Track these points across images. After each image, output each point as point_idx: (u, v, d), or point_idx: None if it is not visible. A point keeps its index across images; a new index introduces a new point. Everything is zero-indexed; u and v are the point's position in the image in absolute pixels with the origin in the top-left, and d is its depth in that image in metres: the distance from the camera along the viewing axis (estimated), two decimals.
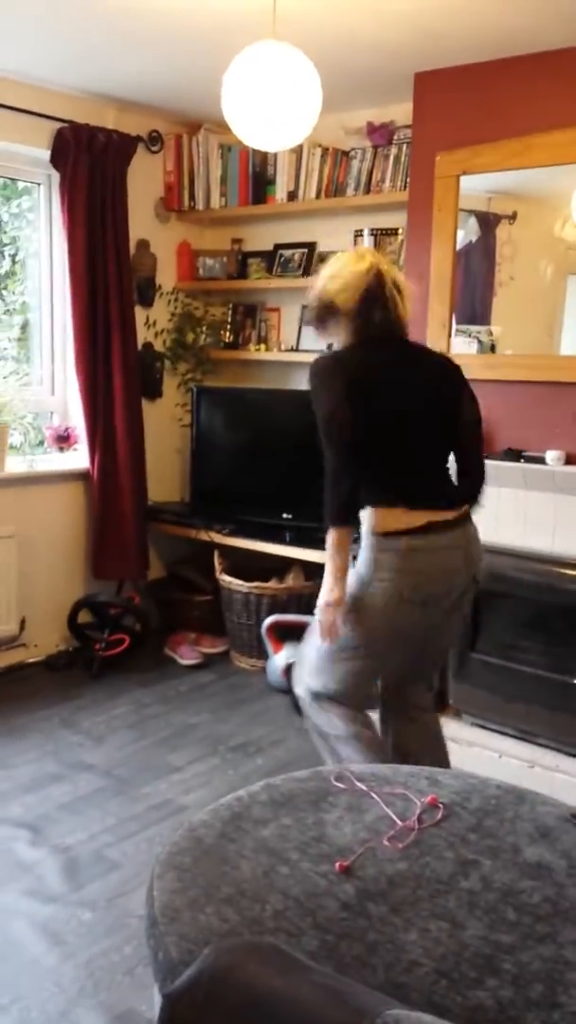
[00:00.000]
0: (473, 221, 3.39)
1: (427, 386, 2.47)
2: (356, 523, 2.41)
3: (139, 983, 2.10)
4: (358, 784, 2.00)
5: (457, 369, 2.55)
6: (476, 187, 3.34)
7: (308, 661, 2.57)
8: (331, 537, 2.40)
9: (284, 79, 2.59)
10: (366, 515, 2.41)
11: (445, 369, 2.55)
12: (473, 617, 3.33)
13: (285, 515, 4.14)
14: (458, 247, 3.37)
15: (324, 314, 2.45)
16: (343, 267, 2.43)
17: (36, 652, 4.10)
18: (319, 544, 3.96)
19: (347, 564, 2.41)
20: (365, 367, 2.40)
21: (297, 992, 1.02)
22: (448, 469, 2.56)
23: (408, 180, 3.57)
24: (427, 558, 2.39)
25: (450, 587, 2.45)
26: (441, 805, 1.92)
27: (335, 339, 2.51)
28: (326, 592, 2.42)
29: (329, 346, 4.09)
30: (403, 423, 2.41)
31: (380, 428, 2.38)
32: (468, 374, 3.34)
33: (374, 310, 2.39)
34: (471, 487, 2.56)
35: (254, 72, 2.59)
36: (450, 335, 3.37)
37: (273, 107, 2.63)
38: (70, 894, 2.44)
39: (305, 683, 2.58)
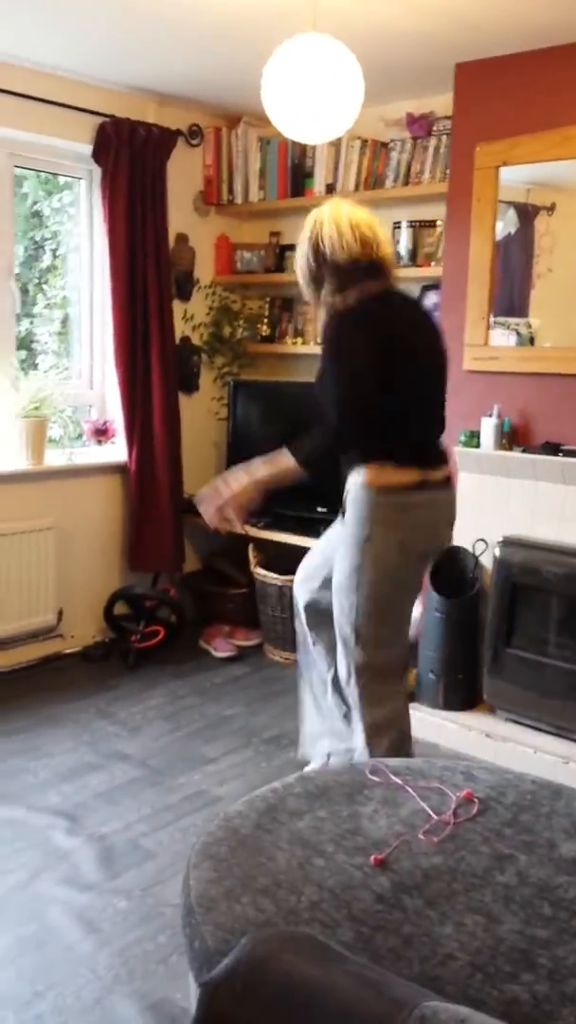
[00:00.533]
0: (512, 212, 3.36)
1: (430, 340, 2.50)
2: (315, 476, 2.43)
3: (173, 972, 2.11)
4: (393, 778, 2.00)
5: (433, 317, 2.63)
6: (515, 178, 3.31)
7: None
8: (285, 461, 2.42)
9: (325, 71, 2.58)
10: (360, 470, 2.41)
11: (431, 319, 2.59)
12: (508, 612, 3.31)
13: (320, 509, 4.13)
14: (496, 239, 3.34)
15: (319, 272, 2.45)
16: (329, 215, 2.43)
17: (73, 643, 4.14)
18: None
19: (279, 478, 2.44)
20: (388, 323, 2.39)
21: (334, 982, 1.02)
22: (439, 424, 2.57)
23: (447, 171, 3.54)
24: (424, 513, 2.46)
25: (440, 541, 2.60)
26: (477, 800, 1.91)
27: (327, 300, 2.48)
28: (251, 473, 2.45)
29: None
30: (413, 382, 2.41)
31: (393, 388, 2.35)
32: (506, 367, 3.33)
33: (370, 253, 2.41)
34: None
35: (295, 65, 2.59)
36: (488, 327, 3.35)
37: (314, 100, 2.62)
38: (106, 882, 2.46)
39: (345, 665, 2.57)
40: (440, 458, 2.53)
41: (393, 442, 2.41)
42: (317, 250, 2.43)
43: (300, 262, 2.51)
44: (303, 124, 2.75)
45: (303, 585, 2.80)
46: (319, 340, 2.60)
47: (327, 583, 2.61)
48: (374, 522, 2.40)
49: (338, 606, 2.52)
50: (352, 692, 2.57)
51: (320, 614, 2.71)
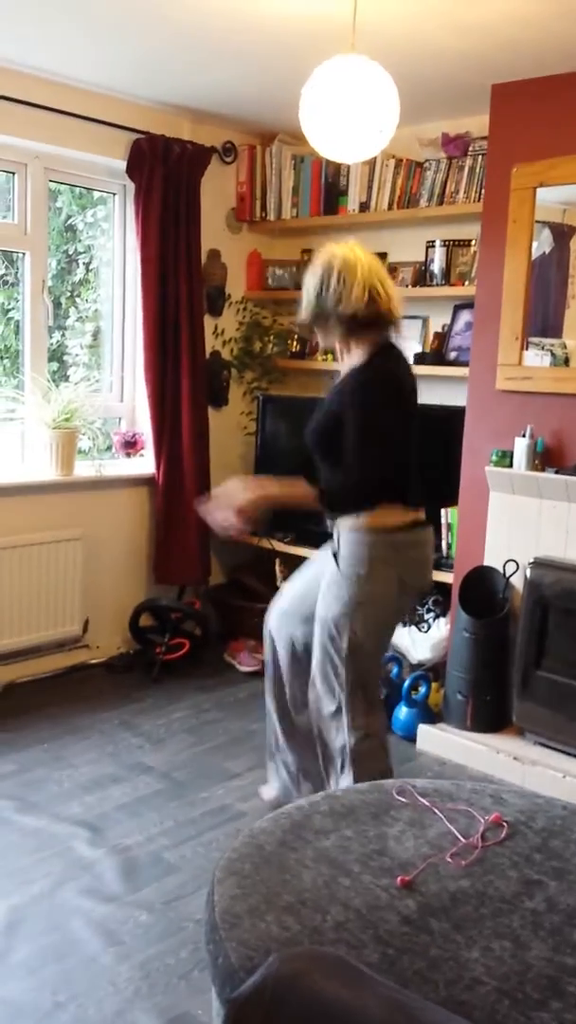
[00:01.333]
0: (547, 233, 3.35)
1: (415, 389, 2.58)
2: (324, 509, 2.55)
3: (195, 987, 2.10)
4: (420, 799, 1.98)
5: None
6: (550, 198, 3.30)
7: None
8: (301, 489, 2.54)
9: (363, 92, 2.59)
10: (360, 514, 2.48)
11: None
12: (539, 634, 3.28)
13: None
14: (531, 258, 3.34)
15: (324, 318, 2.50)
16: (343, 263, 2.45)
17: (98, 654, 4.15)
18: None
19: (290, 501, 2.60)
20: (401, 381, 2.52)
21: (365, 1004, 1.01)
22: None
23: (482, 191, 3.54)
24: (418, 551, 2.58)
25: (429, 578, 2.68)
26: (505, 823, 1.89)
27: (329, 343, 2.60)
28: (265, 488, 2.54)
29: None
30: (412, 427, 2.53)
31: (402, 436, 2.50)
32: (540, 387, 3.32)
33: (379, 309, 2.45)
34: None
35: (333, 85, 2.60)
36: (523, 347, 3.34)
37: (351, 120, 2.63)
38: (127, 895, 2.46)
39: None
40: (421, 499, 2.63)
41: (402, 489, 2.52)
42: (323, 298, 2.47)
43: (305, 302, 2.54)
44: (339, 144, 2.76)
45: (284, 618, 2.78)
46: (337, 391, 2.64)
47: (308, 620, 2.64)
48: (373, 560, 2.47)
49: (327, 634, 2.53)
50: (344, 720, 2.57)
51: (297, 659, 2.73)
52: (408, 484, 2.54)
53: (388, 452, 2.45)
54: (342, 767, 2.57)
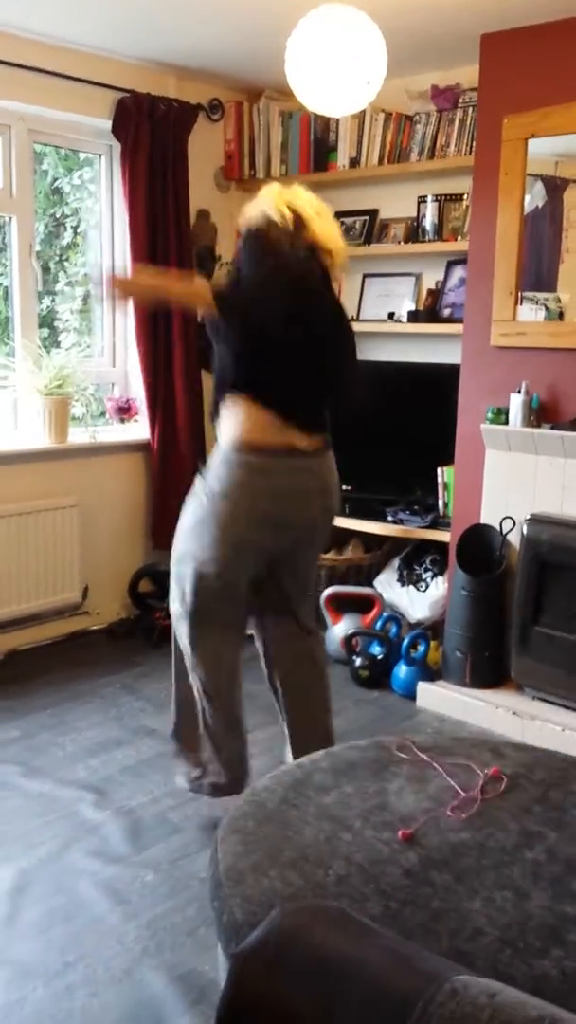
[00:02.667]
0: (540, 186, 3.31)
1: (337, 316, 2.52)
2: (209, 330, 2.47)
3: (201, 944, 2.13)
4: (420, 754, 2.00)
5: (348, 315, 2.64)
6: (543, 151, 3.25)
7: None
8: (200, 289, 2.45)
9: (349, 42, 2.54)
10: (229, 423, 2.40)
11: (343, 309, 2.59)
12: (536, 590, 3.29)
13: (344, 487, 4.12)
14: (524, 212, 3.30)
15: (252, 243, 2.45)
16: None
17: (98, 620, 4.17)
18: (379, 516, 3.97)
19: (180, 299, 2.57)
20: (301, 276, 2.40)
21: (365, 955, 1.02)
22: (322, 401, 2.52)
23: (474, 144, 3.49)
24: (284, 480, 2.40)
25: (304, 514, 2.48)
26: (505, 776, 1.91)
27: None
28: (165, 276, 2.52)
29: (391, 314, 4.04)
30: (314, 343, 2.41)
31: (297, 337, 2.38)
32: (535, 342, 3.29)
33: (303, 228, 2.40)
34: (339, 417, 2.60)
35: (319, 36, 2.55)
36: (517, 302, 3.31)
37: (337, 71, 2.59)
38: (133, 855, 2.49)
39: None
40: (320, 431, 2.49)
41: (284, 404, 2.38)
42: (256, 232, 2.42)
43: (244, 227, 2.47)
44: (326, 97, 2.71)
45: None
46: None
47: None
48: (230, 481, 2.37)
49: (174, 551, 2.56)
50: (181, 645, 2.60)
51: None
52: (296, 403, 2.40)
53: (255, 334, 2.35)
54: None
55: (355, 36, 2.55)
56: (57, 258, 4.17)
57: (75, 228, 4.22)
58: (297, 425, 2.40)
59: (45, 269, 4.03)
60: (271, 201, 2.40)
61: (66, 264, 4.20)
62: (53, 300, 4.14)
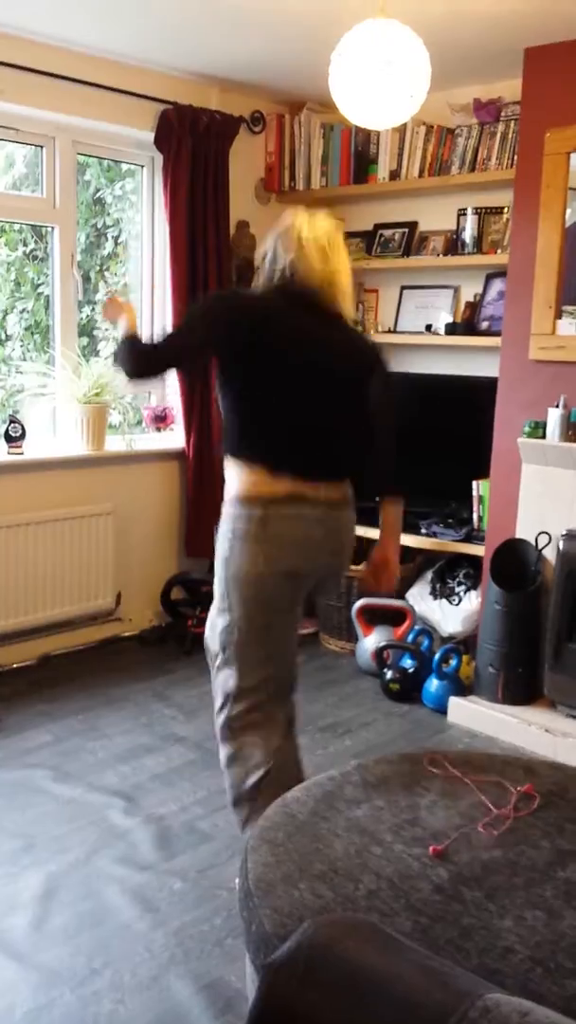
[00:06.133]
0: None
1: (335, 353, 2.32)
2: (134, 373, 2.24)
3: (228, 954, 2.13)
4: (452, 770, 1.99)
5: (374, 347, 2.47)
6: None
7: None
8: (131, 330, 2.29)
9: (393, 57, 2.54)
10: (232, 474, 2.29)
11: (360, 342, 2.45)
12: (571, 606, 3.26)
13: (378, 498, 4.11)
14: (565, 226, 3.28)
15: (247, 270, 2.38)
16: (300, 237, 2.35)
17: (131, 627, 4.19)
18: (413, 528, 3.95)
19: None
20: (271, 311, 2.28)
21: (398, 970, 1.02)
22: (346, 449, 2.37)
23: (515, 158, 3.48)
24: (288, 527, 2.24)
25: (312, 563, 2.30)
26: (537, 794, 1.89)
27: None
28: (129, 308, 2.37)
29: (429, 326, 4.03)
30: (298, 383, 2.26)
31: (272, 380, 2.25)
32: (573, 356, 3.27)
33: (295, 261, 2.30)
34: (376, 476, 2.48)
35: (363, 50, 2.56)
36: (556, 316, 3.29)
37: (381, 86, 2.59)
38: (162, 863, 2.49)
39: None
40: (334, 478, 2.33)
41: (279, 453, 2.26)
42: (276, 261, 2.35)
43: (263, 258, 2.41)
44: (369, 110, 2.72)
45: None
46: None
47: None
48: (236, 535, 2.25)
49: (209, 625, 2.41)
50: (218, 721, 2.38)
51: None
52: (293, 449, 2.26)
53: (236, 391, 2.27)
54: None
55: (399, 50, 2.55)
56: (98, 268, 4.22)
57: (116, 238, 4.26)
58: (298, 474, 2.24)
59: (86, 279, 4.07)
60: (284, 232, 2.38)
61: (106, 274, 4.25)
62: (93, 309, 4.19)
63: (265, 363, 2.25)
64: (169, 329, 2.35)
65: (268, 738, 2.31)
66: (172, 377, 4.21)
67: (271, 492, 2.23)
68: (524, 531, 3.45)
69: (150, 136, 3.95)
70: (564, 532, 3.28)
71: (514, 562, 3.45)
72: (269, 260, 2.37)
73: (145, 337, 2.27)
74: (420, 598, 3.94)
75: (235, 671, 2.32)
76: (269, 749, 2.31)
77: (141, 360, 2.22)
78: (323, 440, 2.31)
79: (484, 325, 3.88)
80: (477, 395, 3.71)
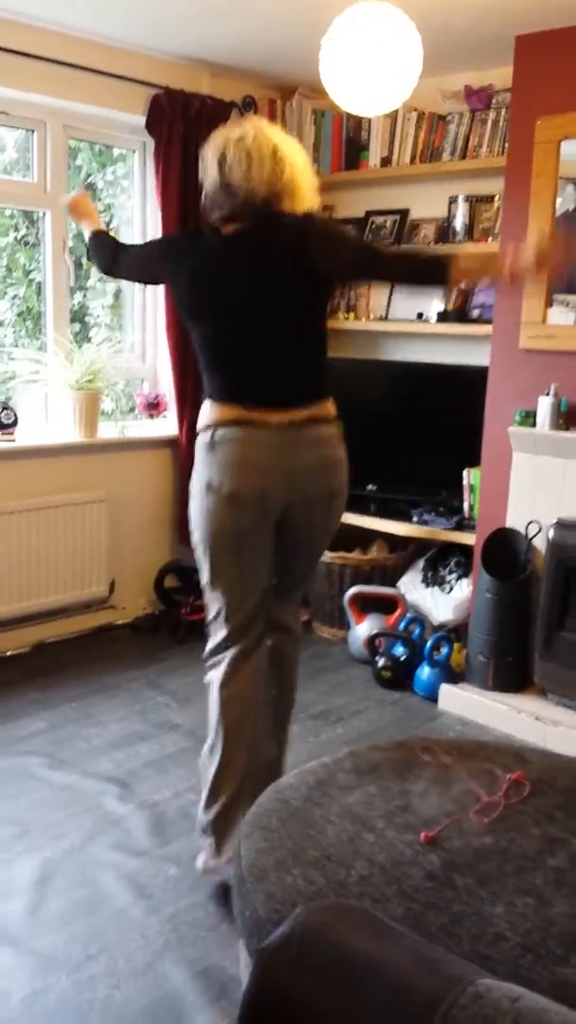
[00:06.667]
0: (571, 188, 3.29)
1: (254, 275, 2.24)
2: (104, 269, 2.61)
3: (223, 940, 2.15)
4: (443, 758, 2.01)
5: (300, 231, 2.23)
6: (575, 153, 3.23)
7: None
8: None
9: (384, 42, 2.54)
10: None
11: (284, 242, 2.24)
12: (561, 595, 3.28)
13: (370, 487, 4.13)
14: (556, 214, 3.28)
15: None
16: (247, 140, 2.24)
17: (124, 614, 4.20)
18: (404, 517, 3.97)
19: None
20: (184, 244, 2.42)
21: (390, 955, 1.03)
22: (295, 370, 2.29)
23: (506, 146, 3.48)
24: (228, 450, 2.21)
25: (259, 488, 2.23)
26: (528, 782, 1.91)
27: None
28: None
29: (420, 315, 4.03)
30: (222, 316, 2.26)
31: (200, 315, 2.29)
32: (564, 345, 3.28)
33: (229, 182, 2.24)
34: (424, 267, 2.35)
35: (354, 35, 2.55)
36: (547, 304, 3.29)
37: (372, 71, 2.58)
38: (157, 849, 2.51)
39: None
40: (287, 403, 2.24)
41: (220, 378, 2.27)
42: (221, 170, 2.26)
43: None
44: (360, 96, 2.71)
45: None
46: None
47: None
48: (197, 462, 2.28)
49: None
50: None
51: None
52: (239, 378, 2.25)
53: (188, 326, 2.37)
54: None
55: (390, 33, 2.54)
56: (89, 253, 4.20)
57: (108, 224, 4.24)
58: (248, 402, 2.22)
59: (77, 265, 4.06)
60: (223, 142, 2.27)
61: None
62: (85, 295, 4.18)
63: (189, 299, 2.31)
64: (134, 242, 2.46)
65: (226, 678, 2.33)
66: (165, 363, 4.20)
67: (219, 418, 2.23)
68: (515, 520, 3.47)
69: (142, 120, 3.93)
70: (554, 521, 3.30)
71: (505, 551, 3.47)
72: (208, 185, 2.31)
73: (110, 236, 2.55)
74: (412, 586, 3.96)
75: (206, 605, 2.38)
76: (227, 691, 2.32)
77: (107, 258, 2.55)
78: (266, 367, 2.26)
79: (475, 313, 3.88)
80: (468, 384, 3.71)
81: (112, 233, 2.62)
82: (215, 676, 2.35)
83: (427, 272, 2.36)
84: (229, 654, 2.35)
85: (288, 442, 2.23)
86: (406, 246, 2.36)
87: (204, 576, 2.35)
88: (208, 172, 2.31)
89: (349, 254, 2.30)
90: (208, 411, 2.27)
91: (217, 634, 2.37)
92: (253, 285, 2.23)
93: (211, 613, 2.39)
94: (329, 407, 2.31)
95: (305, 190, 2.28)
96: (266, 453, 2.22)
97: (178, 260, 2.32)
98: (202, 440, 2.26)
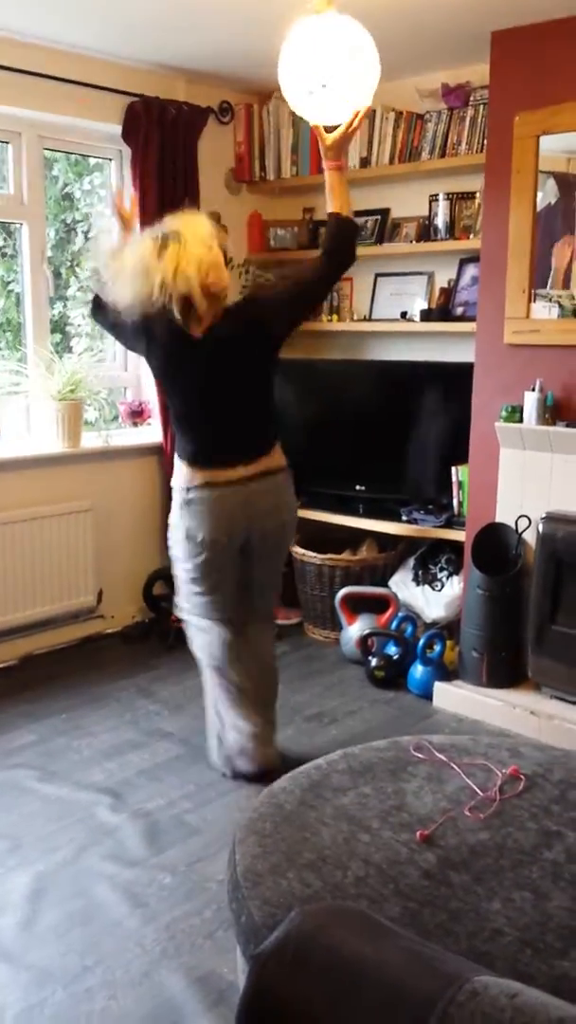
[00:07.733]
0: (552, 183, 3.29)
1: (206, 356, 2.61)
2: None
3: (220, 946, 2.13)
4: (437, 755, 1.99)
5: (252, 318, 2.65)
6: (555, 148, 3.23)
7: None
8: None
9: (337, 51, 2.50)
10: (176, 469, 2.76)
11: (234, 325, 2.62)
12: (552, 588, 3.27)
13: (358, 487, 4.12)
14: (537, 209, 3.28)
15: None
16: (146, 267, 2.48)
17: (113, 623, 4.17)
18: (393, 516, 3.96)
19: None
20: (151, 325, 2.60)
21: (385, 956, 1.02)
22: (251, 430, 2.71)
23: (485, 142, 3.48)
24: (201, 507, 2.66)
25: (228, 532, 2.68)
26: (523, 776, 1.89)
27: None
28: None
29: (404, 313, 4.03)
30: (185, 391, 2.68)
31: (168, 388, 2.75)
32: (548, 340, 3.27)
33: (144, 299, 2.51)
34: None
35: (307, 44, 2.53)
36: (530, 300, 3.29)
37: (326, 80, 2.55)
38: (151, 858, 2.49)
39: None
40: (246, 458, 2.66)
41: (190, 446, 2.69)
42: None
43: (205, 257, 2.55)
44: (315, 104, 2.68)
45: None
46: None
47: None
48: (173, 517, 2.75)
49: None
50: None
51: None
52: (203, 444, 2.67)
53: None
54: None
55: (345, 44, 2.50)
56: (68, 263, 4.19)
57: (86, 233, 4.23)
58: (211, 464, 2.65)
59: (56, 275, 4.04)
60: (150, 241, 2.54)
61: (77, 269, 4.21)
62: (65, 305, 4.15)
63: (160, 375, 2.81)
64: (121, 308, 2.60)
65: (212, 642, 2.82)
66: (147, 371, 4.18)
67: (191, 483, 2.67)
68: (504, 515, 3.46)
69: (117, 129, 3.91)
70: (543, 515, 3.29)
71: (495, 546, 3.46)
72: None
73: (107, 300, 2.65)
74: (403, 585, 3.95)
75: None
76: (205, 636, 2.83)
77: (98, 316, 2.84)
78: (227, 432, 2.68)
79: (459, 311, 3.88)
80: (453, 381, 3.71)
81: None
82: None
83: (333, 236, 2.77)
84: (206, 621, 2.82)
85: (248, 492, 2.67)
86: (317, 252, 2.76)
87: (183, 597, 2.83)
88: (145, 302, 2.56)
89: (291, 309, 2.71)
90: (181, 474, 2.70)
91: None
92: (216, 370, 2.63)
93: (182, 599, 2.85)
94: (277, 457, 2.74)
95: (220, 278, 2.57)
96: (230, 504, 2.67)
97: (149, 342, 2.67)
98: (178, 497, 2.71)
